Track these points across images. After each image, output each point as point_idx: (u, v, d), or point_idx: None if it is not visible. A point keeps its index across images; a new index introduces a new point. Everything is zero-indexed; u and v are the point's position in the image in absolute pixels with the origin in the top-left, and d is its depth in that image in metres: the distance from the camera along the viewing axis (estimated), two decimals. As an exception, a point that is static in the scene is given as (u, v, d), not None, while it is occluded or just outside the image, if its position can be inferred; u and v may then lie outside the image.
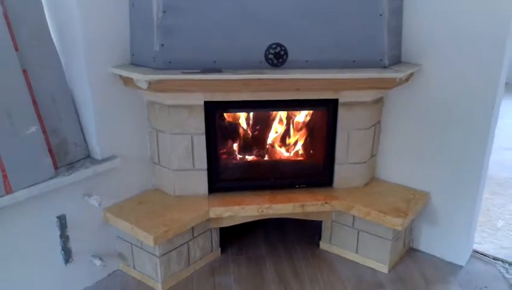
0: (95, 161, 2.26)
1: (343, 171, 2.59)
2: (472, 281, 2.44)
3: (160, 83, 2.15)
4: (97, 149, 2.27)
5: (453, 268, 2.55)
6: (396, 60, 2.45)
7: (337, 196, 2.53)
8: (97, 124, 2.24)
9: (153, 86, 2.16)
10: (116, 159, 2.32)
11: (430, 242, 2.66)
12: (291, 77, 2.21)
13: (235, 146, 2.65)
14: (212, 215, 2.39)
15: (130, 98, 2.37)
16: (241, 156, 2.67)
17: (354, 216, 2.51)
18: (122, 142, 2.38)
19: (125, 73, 2.18)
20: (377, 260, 2.51)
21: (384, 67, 2.33)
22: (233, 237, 2.81)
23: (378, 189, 2.62)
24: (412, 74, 2.43)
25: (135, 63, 2.31)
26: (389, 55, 2.34)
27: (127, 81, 2.23)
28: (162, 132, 2.42)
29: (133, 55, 2.32)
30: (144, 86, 2.15)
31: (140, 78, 2.12)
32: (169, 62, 2.19)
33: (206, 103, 2.34)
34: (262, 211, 2.44)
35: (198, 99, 2.32)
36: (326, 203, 2.47)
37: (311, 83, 2.25)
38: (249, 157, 2.69)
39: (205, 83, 2.18)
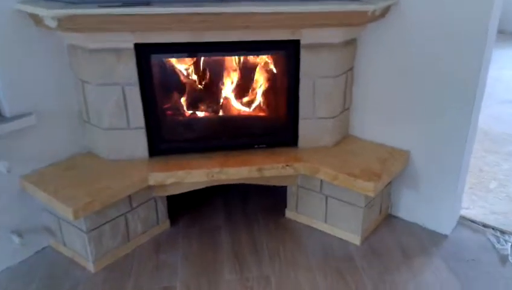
0: (1, 119, 1.86)
1: (309, 128, 2.20)
2: (457, 253, 2.10)
3: (72, 20, 1.72)
4: (4, 104, 1.87)
5: (436, 238, 2.20)
6: (370, -9, 2.02)
7: (301, 157, 2.15)
8: (3, 74, 1.83)
9: (63, 25, 1.73)
10: (31, 116, 1.92)
11: (410, 208, 2.30)
12: (236, 11, 1.78)
13: (183, 100, 2.25)
14: (151, 182, 2.02)
15: (48, 42, 1.95)
16: (190, 112, 2.27)
17: (321, 180, 2.14)
18: (39, 96, 1.97)
19: (29, 9, 1.75)
20: (348, 230, 2.16)
21: (355, -1, 1.91)
22: (186, 207, 2.45)
23: (350, 148, 2.24)
24: (388, 9, 2.01)
25: (50, -3, 1.87)
26: (360, -16, 1.91)
27: (38, 20, 1.80)
28: (87, 82, 2.01)
29: (42, -14, 1.88)
30: (52, 24, 1.73)
31: (45, 14, 1.69)
32: (85, -6, 1.76)
33: (136, 45, 1.93)
34: (213, 176, 2.06)
35: (126, 41, 1.90)
36: (288, 165, 2.10)
37: (263, 18, 1.83)
38: (200, 114, 2.29)
39: (130, 19, 1.76)
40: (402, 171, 2.21)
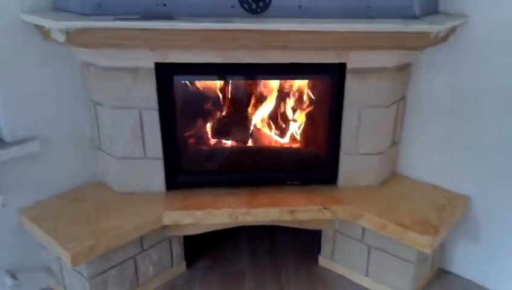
0: (0, 144, 1.63)
1: (352, 164, 1.89)
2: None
3: (83, 34, 1.48)
4: (4, 127, 1.64)
5: (499, 302, 1.85)
6: (432, 9, 1.72)
7: (341, 198, 1.84)
8: (4, 92, 1.61)
9: (73, 39, 1.50)
10: (34, 142, 1.69)
11: (467, 263, 1.95)
12: (274, 28, 1.51)
13: (208, 127, 1.98)
14: (166, 221, 1.74)
15: (59, 58, 1.73)
16: (215, 141, 2.00)
17: (364, 228, 1.82)
18: (46, 118, 1.75)
19: (34, 19, 1.52)
20: (394, 287, 1.83)
21: (414, 17, 1.61)
22: (205, 247, 2.16)
23: (399, 190, 1.92)
24: (453, 30, 1.70)
25: (59, 8, 1.65)
26: (421, 1, 1.61)
27: (45, 33, 1.57)
28: (100, 104, 1.77)
29: (55, -5, 1.66)
30: (60, 38, 1.49)
31: (52, 25, 1.46)
32: (100, 4, 1.52)
33: (157, 65, 1.67)
34: (237, 218, 1.78)
35: (145, 59, 1.65)
36: (325, 208, 1.79)
37: (305, 37, 1.55)
38: (227, 143, 2.01)
39: (150, 35, 1.51)
40: (461, 220, 1.86)
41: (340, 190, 1.90)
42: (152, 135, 1.77)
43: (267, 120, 2.01)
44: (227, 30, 1.48)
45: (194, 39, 1.53)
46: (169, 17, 1.50)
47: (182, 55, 1.66)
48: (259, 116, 1.99)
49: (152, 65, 1.67)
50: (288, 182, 1.92)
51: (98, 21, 1.46)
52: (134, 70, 1.67)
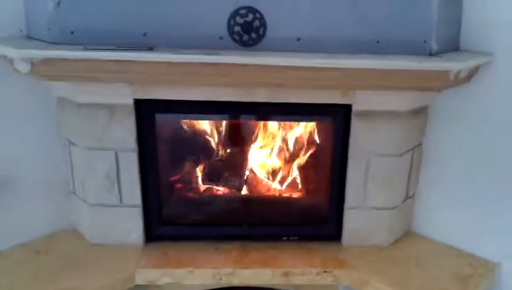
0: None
1: (358, 220, 1.64)
2: None
3: (49, 65, 1.30)
4: (-38, 167, 1.46)
5: None
6: (451, 45, 1.51)
7: (346, 260, 1.58)
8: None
9: (38, 70, 1.32)
10: (-5, 184, 1.50)
11: None
12: (266, 63, 1.31)
13: (197, 172, 1.76)
14: (140, 281, 1.51)
15: (32, 93, 1.56)
16: (204, 188, 1.78)
17: (371, 297, 1.55)
18: (12, 158, 1.56)
19: (-3, 47, 1.36)
20: None
21: (430, 54, 1.39)
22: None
23: (413, 252, 1.64)
24: (476, 69, 1.48)
25: (32, 36, 1.49)
26: (438, 36, 1.40)
27: (12, 63, 1.41)
28: (74, 145, 1.58)
29: (28, 22, 1.50)
30: (24, 68, 1.32)
31: (14, 54, 1.29)
32: (71, 32, 1.36)
33: (137, 101, 1.49)
34: (221, 279, 1.53)
35: (122, 95, 1.46)
36: (325, 272, 1.53)
37: (304, 74, 1.34)
38: (217, 190, 1.79)
39: (126, 68, 1.32)
40: (488, 291, 1.57)
41: (344, 250, 1.64)
42: (129, 179, 1.56)
43: (263, 166, 1.78)
44: (213, 64, 1.29)
45: (176, 73, 1.34)
46: (148, 48, 1.32)
47: (165, 91, 1.47)
48: (254, 161, 1.77)
49: (131, 102, 1.48)
50: (284, 238, 1.67)
51: (65, 50, 1.29)
52: (111, 107, 1.48)
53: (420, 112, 1.60)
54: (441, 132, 1.64)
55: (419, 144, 1.67)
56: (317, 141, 1.71)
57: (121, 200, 1.58)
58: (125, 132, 1.51)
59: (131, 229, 1.61)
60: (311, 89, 1.45)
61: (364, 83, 1.38)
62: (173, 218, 1.67)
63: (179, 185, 1.74)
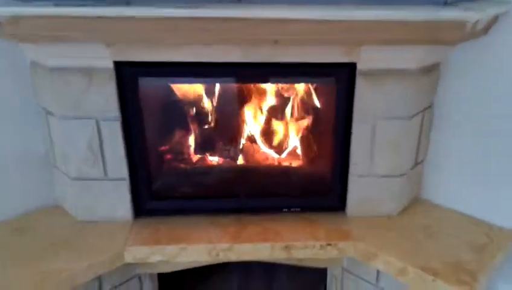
0: None
1: (364, 189, 1.52)
2: None
3: (16, 23, 1.15)
4: None
5: None
6: (468, -7, 1.34)
7: (351, 232, 1.47)
8: None
9: (5, 30, 1.17)
10: (-34, 160, 1.36)
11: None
12: (259, 16, 1.15)
13: (188, 141, 1.63)
14: (129, 259, 1.40)
15: (8, 59, 1.42)
16: (197, 158, 1.65)
17: (378, 270, 1.45)
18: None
19: (-43, 5, 1.20)
20: None
21: (446, 3, 1.23)
22: (189, 281, 1.81)
23: (424, 221, 1.53)
24: (495, 20, 1.32)
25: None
26: (454, -18, 1.24)
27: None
28: (50, 114, 1.44)
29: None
30: (-12, 28, 1.17)
31: (-27, 12, 1.13)
32: (40, -13, 1.19)
33: (117, 64, 1.33)
34: (218, 255, 1.42)
35: (101, 57, 1.31)
36: (329, 245, 1.42)
37: (300, 28, 1.18)
38: (211, 160, 1.66)
39: (100, 25, 1.17)
40: (505, 261, 1.47)
41: (350, 221, 1.53)
42: (113, 150, 1.42)
43: (260, 133, 1.65)
44: (195, 18, 1.13)
45: (160, 31, 1.19)
46: (124, 2, 1.16)
47: (148, 52, 1.31)
48: (251, 128, 1.64)
49: (110, 65, 1.32)
50: (285, 209, 1.55)
51: (34, 7, 1.13)
52: (87, 71, 1.33)
53: (431, 70, 1.45)
54: (453, 91, 1.49)
55: (430, 106, 1.53)
56: (319, 105, 1.57)
57: (105, 173, 1.45)
58: (106, 99, 1.36)
59: (117, 204, 1.49)
60: (311, 45, 1.29)
61: (370, 37, 1.22)
62: (164, 191, 1.55)
63: (169, 156, 1.61)
